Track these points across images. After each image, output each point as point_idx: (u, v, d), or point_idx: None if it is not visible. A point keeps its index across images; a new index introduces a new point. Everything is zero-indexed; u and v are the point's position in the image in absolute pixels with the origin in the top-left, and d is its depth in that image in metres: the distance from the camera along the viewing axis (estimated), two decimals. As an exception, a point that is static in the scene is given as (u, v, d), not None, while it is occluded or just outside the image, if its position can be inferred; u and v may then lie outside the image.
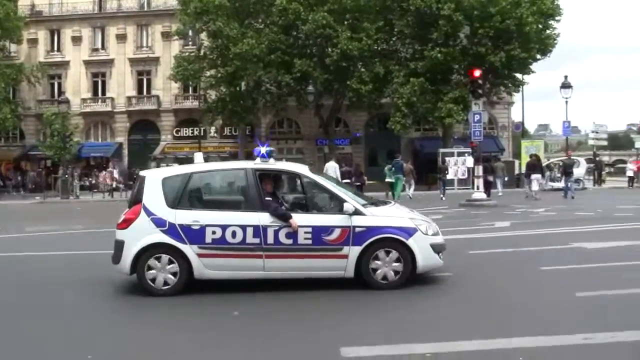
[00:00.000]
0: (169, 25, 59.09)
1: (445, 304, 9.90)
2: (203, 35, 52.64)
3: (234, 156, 53.93)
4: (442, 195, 36.07)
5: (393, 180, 34.58)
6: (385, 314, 9.41)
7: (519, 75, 49.85)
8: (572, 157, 41.39)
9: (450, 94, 45.03)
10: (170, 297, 10.45)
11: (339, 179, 28.32)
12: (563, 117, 54.15)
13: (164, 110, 61.99)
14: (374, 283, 10.69)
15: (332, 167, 34.80)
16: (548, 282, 11.16)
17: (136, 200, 11.04)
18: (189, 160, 49.63)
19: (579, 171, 45.43)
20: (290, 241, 10.57)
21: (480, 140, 31.96)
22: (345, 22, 47.64)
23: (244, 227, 10.52)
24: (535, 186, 33.41)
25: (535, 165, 34.75)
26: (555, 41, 48.34)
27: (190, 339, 8.23)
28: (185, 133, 61.73)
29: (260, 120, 57.81)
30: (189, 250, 10.55)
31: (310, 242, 10.60)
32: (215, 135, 61.05)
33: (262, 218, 10.56)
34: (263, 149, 11.22)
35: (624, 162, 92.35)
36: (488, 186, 33.11)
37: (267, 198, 10.83)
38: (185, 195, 10.96)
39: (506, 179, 34.94)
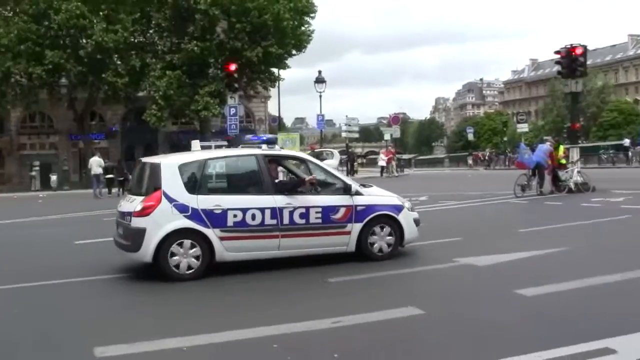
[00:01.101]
0: None
1: (205, 295, 10.12)
2: (-55, 22, 48.91)
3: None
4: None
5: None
6: (143, 307, 9.48)
7: (275, 70, 51.36)
8: (315, 150, 43.73)
9: (207, 88, 45.52)
10: None
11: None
12: (318, 111, 56.44)
13: None
14: (372, 255, 11.99)
15: (96, 162, 34.78)
16: (301, 269, 11.50)
17: (152, 187, 11.06)
18: None
19: (333, 162, 47.54)
20: (303, 221, 11.45)
21: (236, 133, 32.82)
22: (101, 13, 46.54)
23: (262, 210, 11.16)
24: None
25: None
26: (310, 37, 50.49)
27: None
28: None
29: (10, 113, 54.60)
30: (212, 234, 10.87)
31: (320, 221, 11.59)
32: (-39, 128, 57.10)
33: (278, 200, 11.30)
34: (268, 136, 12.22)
35: (376, 153, 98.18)
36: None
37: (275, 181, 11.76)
38: (204, 180, 11.31)
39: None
